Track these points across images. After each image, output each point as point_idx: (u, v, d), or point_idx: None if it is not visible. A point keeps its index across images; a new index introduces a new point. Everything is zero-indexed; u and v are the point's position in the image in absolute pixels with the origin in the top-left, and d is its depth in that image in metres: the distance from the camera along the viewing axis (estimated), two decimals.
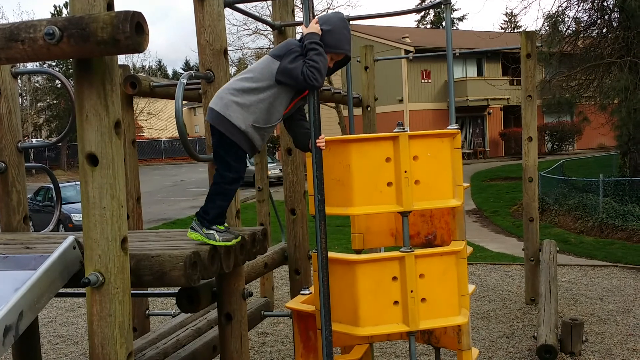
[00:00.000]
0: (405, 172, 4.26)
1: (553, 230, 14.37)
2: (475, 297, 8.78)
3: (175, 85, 4.16)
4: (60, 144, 45.92)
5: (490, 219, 17.03)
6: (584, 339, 6.44)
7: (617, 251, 11.78)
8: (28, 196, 4.64)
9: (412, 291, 4.23)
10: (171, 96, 5.76)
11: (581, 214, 14.79)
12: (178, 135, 4.16)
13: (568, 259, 11.32)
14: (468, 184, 5.35)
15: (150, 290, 6.57)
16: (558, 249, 8.85)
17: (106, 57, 2.88)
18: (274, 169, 21.78)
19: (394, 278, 4.27)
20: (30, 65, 6.63)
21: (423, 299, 4.29)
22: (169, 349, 4.70)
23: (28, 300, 2.67)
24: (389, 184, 4.29)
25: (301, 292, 5.26)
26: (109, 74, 2.90)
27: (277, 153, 37.80)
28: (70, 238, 3.06)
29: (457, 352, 4.77)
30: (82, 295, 3.55)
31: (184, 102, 4.21)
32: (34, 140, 37.02)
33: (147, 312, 6.08)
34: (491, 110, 38.55)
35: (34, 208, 18.80)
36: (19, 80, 48.09)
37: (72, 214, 16.67)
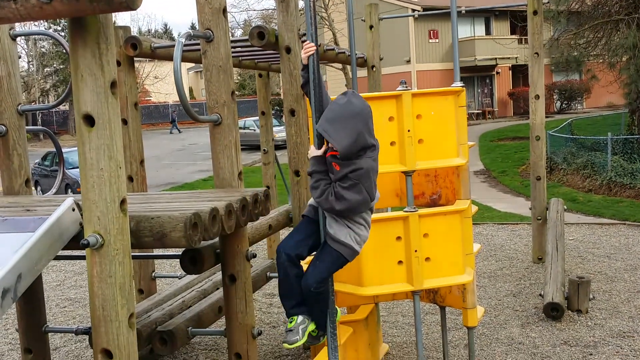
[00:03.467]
0: (409, 131, 4.20)
1: (561, 190, 14.30)
2: (482, 257, 8.78)
3: None
4: (67, 108, 45.93)
5: (498, 179, 16.96)
6: (591, 296, 6.43)
7: (625, 209, 11.72)
8: (36, 161, 4.63)
9: (416, 251, 4.21)
10: (173, 58, 5.67)
11: (589, 173, 14.69)
12: (178, 96, 4.10)
13: (576, 217, 11.28)
14: (473, 143, 5.28)
15: (155, 252, 6.61)
16: (565, 207, 8.80)
17: (100, 15, 2.81)
18: (280, 132, 21.69)
19: (398, 238, 4.25)
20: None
21: (427, 259, 4.28)
22: (175, 310, 4.73)
23: (27, 263, 2.66)
24: (392, 143, 4.23)
25: None
26: (104, 32, 2.84)
27: (283, 116, 37.58)
28: (69, 200, 3.04)
29: (462, 311, 4.77)
30: (84, 257, 3.55)
31: (191, 65, 4.15)
32: None
33: (153, 275, 6.11)
34: (500, 70, 38.09)
35: (41, 173, 18.91)
36: (26, 46, 47.65)
37: (79, 179, 16.71)
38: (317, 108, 3.37)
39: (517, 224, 11.13)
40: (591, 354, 5.35)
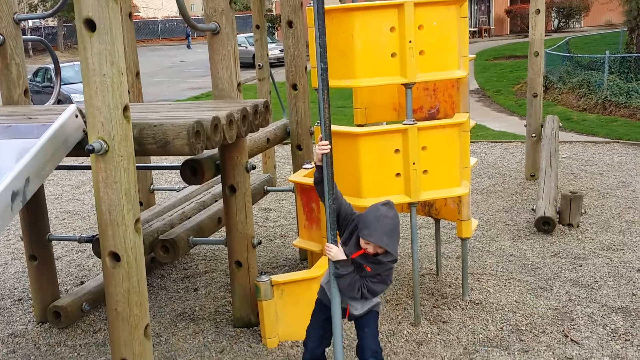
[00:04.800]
0: (410, 42, 4.15)
1: (556, 109, 14.29)
2: (475, 174, 8.87)
3: None
4: (56, 24, 44.76)
5: (493, 99, 16.89)
6: (583, 211, 6.56)
7: (620, 128, 11.77)
8: (27, 77, 4.58)
9: (414, 163, 4.26)
10: None
11: (585, 92, 14.64)
12: (177, 5, 4.00)
13: (570, 136, 11.33)
14: (473, 55, 5.23)
15: (154, 163, 6.64)
16: (560, 124, 8.83)
17: None
18: (273, 50, 21.31)
19: (397, 150, 4.28)
20: None
21: (425, 171, 4.32)
22: (175, 221, 4.80)
23: (33, 167, 2.68)
24: (393, 54, 4.19)
25: (304, 166, 5.30)
26: None
27: (276, 33, 36.86)
28: (72, 107, 3.03)
29: (457, 223, 4.87)
30: (88, 167, 3.58)
31: None
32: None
33: (151, 187, 6.16)
34: None
35: (33, 89, 18.62)
36: None
37: (71, 95, 16.53)
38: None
39: (510, 142, 11.18)
40: (581, 265, 5.52)
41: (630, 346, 4.14)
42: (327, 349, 3.60)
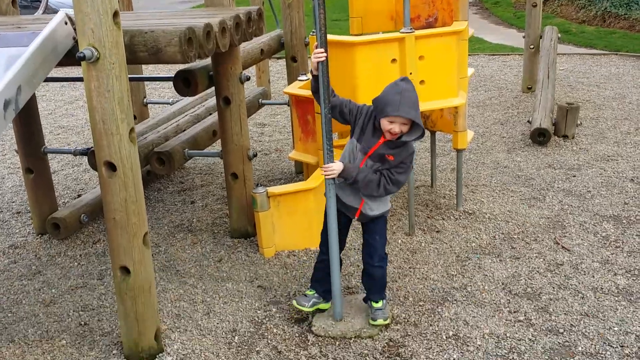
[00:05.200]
0: None
1: (554, 21, 13.99)
2: (472, 87, 8.79)
3: None
4: None
5: (491, 11, 16.50)
6: (578, 122, 6.54)
7: (618, 40, 11.58)
8: None
9: (411, 73, 4.19)
10: None
11: (584, 3, 14.29)
12: None
13: (568, 48, 11.15)
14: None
15: (146, 75, 6.53)
16: (559, 36, 8.68)
17: None
18: None
19: (393, 60, 4.20)
20: None
21: (422, 81, 4.27)
22: (170, 134, 4.78)
23: (24, 75, 2.63)
24: None
25: (299, 78, 5.22)
26: None
27: None
28: (61, 13, 2.94)
29: (452, 135, 4.86)
30: (80, 79, 3.51)
31: None
32: None
33: (144, 100, 6.09)
34: None
35: (21, 4, 18.06)
36: None
37: (60, 10, 16.05)
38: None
39: (508, 54, 11.02)
40: (574, 176, 5.56)
41: (620, 252, 4.23)
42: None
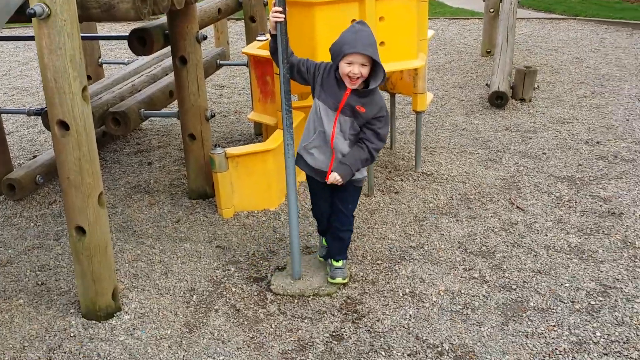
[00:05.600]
0: None
1: None
2: (432, 51, 8.81)
3: None
4: None
5: None
6: (536, 86, 6.64)
7: (577, 5, 11.72)
8: None
9: None
10: None
11: None
12: None
13: (527, 13, 11.25)
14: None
15: (100, 34, 6.36)
16: (519, 0, 8.73)
17: None
18: None
19: (353, 21, 4.16)
20: None
21: (382, 43, 4.24)
22: (125, 94, 4.68)
23: None
24: None
25: (257, 38, 5.16)
26: None
27: None
28: None
29: (412, 97, 4.88)
30: (33, 39, 3.40)
31: None
32: None
33: (99, 60, 5.94)
34: None
35: None
36: None
37: None
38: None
39: (468, 18, 11.07)
40: (530, 138, 5.66)
41: (573, 212, 4.35)
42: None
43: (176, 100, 4.59)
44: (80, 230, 3.11)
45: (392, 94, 5.34)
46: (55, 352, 3.10)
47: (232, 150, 4.27)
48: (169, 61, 5.44)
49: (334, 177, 3.23)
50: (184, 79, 4.21)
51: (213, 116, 4.44)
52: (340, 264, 3.56)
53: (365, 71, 3.09)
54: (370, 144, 3.22)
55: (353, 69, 3.06)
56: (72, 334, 3.22)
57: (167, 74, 5.26)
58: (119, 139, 5.84)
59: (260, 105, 4.79)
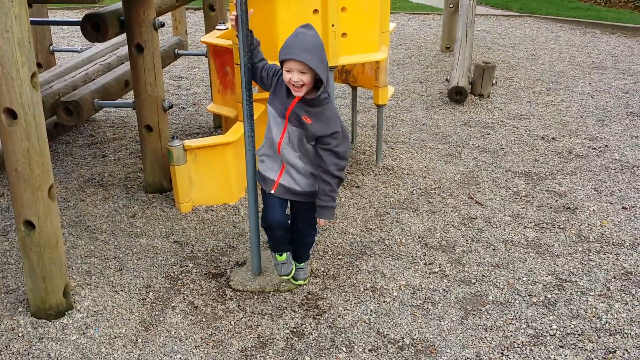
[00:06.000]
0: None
1: None
2: (392, 46, 8.81)
3: None
4: None
5: None
6: (494, 82, 6.69)
7: (532, 3, 11.88)
8: None
9: (333, 25, 4.11)
10: None
11: None
12: None
13: (485, 10, 11.36)
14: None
15: (52, 19, 6.12)
16: None
17: None
18: None
19: (315, 11, 4.09)
20: None
21: (344, 34, 4.19)
22: (78, 83, 4.52)
23: None
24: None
25: (217, 27, 5.05)
26: None
27: None
28: None
29: (373, 90, 4.85)
30: None
31: None
32: None
33: (51, 48, 5.73)
34: None
35: None
36: None
37: None
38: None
39: (428, 14, 11.12)
40: (489, 134, 5.70)
41: (530, 207, 4.38)
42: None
43: (132, 90, 4.45)
44: (29, 224, 2.97)
45: (354, 87, 5.29)
46: (2, 353, 2.96)
47: (191, 143, 4.16)
48: (124, 50, 5.28)
49: (325, 223, 3.18)
50: (140, 68, 4.08)
51: (171, 107, 4.32)
52: (303, 264, 3.49)
53: (306, 78, 2.84)
54: (332, 168, 3.00)
55: (292, 76, 2.84)
56: (20, 334, 3.08)
57: (122, 63, 5.10)
58: (72, 131, 5.65)
59: (220, 96, 4.68)
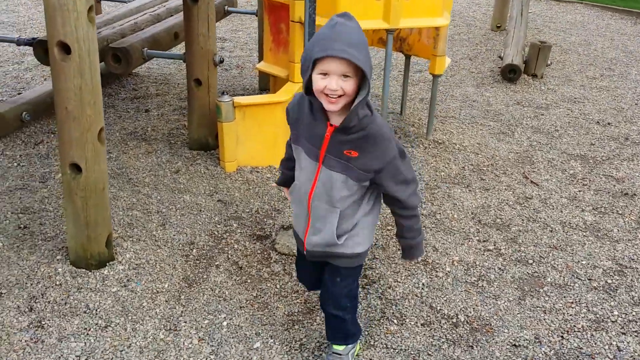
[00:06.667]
0: None
1: None
2: None
3: None
4: None
5: None
6: (549, 62, 6.42)
7: None
8: None
9: None
10: None
11: None
12: None
13: None
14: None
15: None
16: None
17: None
18: None
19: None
20: None
21: None
22: (127, 31, 4.37)
23: None
24: None
25: None
26: None
27: None
28: None
29: (430, 59, 4.63)
30: None
31: None
32: None
33: None
34: None
35: None
36: None
37: None
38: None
39: None
40: (542, 114, 5.46)
41: (587, 190, 4.17)
42: None
43: (181, 43, 4.29)
44: (76, 167, 2.83)
45: (407, 56, 5.08)
46: (37, 300, 2.84)
47: (241, 100, 4.00)
48: (174, 2, 5.12)
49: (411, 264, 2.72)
50: (194, 19, 3.91)
51: (222, 61, 4.15)
52: (341, 348, 2.55)
53: (348, 86, 1.96)
54: (411, 200, 2.25)
55: (330, 83, 1.95)
56: (57, 282, 2.96)
57: (172, 15, 4.94)
58: (114, 83, 5.52)
59: (272, 55, 4.50)
